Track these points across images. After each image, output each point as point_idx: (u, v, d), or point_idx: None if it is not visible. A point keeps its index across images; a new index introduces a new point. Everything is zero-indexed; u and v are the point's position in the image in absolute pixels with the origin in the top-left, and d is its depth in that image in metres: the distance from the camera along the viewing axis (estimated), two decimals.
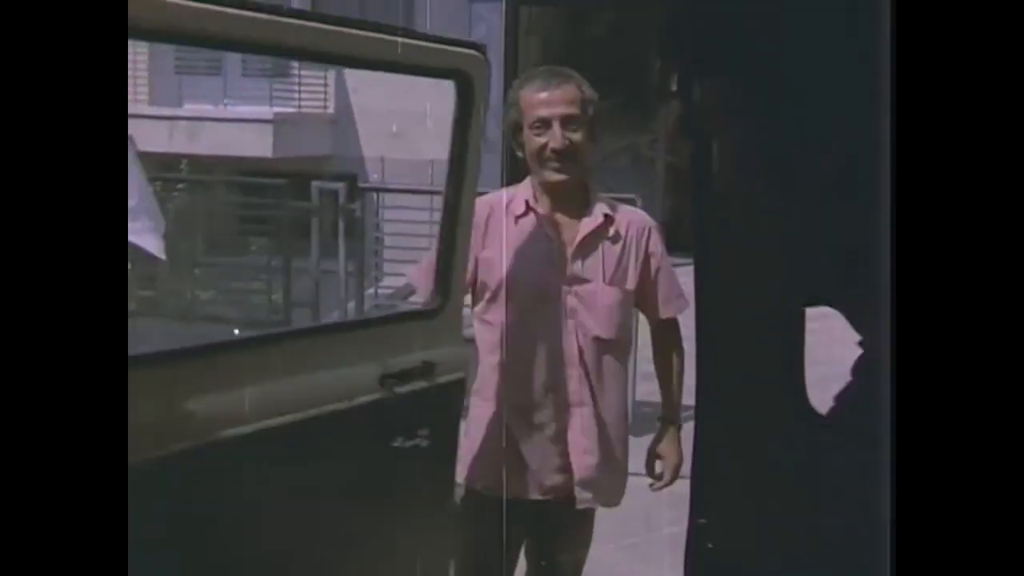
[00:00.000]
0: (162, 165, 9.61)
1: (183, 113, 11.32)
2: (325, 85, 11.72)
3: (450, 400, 2.37)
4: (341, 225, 6.44)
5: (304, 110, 11.90)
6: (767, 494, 0.83)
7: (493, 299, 2.55)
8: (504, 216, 2.55)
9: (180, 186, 9.27)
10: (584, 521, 2.65)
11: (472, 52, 2.30)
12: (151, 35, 1.70)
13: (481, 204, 2.54)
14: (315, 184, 7.09)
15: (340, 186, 6.58)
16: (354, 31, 2.04)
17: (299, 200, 7.61)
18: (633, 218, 2.60)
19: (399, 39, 2.12)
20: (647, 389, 5.79)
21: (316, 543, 2.10)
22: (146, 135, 11.00)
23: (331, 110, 12.02)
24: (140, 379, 1.30)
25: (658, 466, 2.71)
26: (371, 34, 2.10)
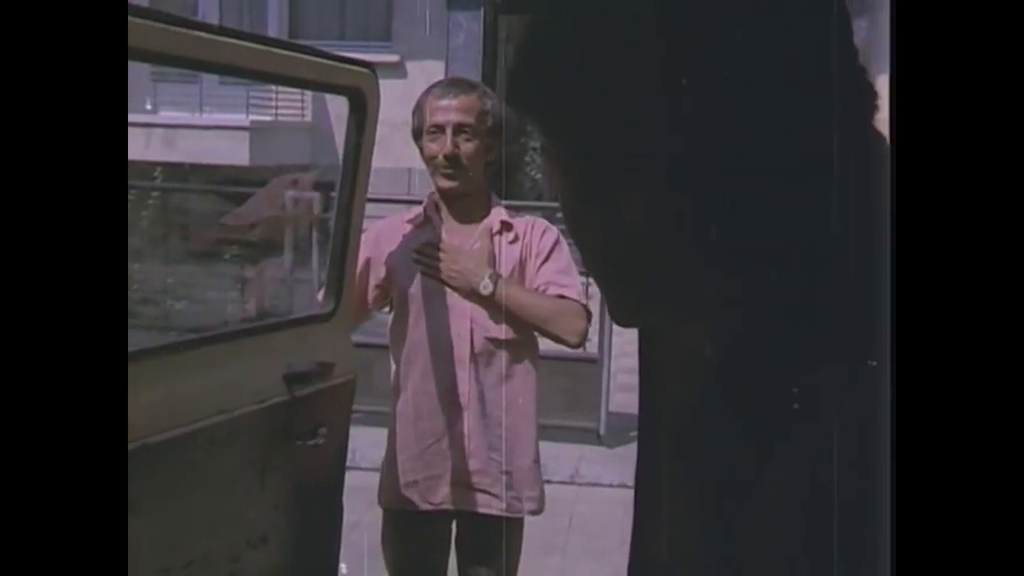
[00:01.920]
0: (137, 173, 9.54)
1: (159, 120, 11.26)
2: (303, 93, 11.69)
3: (343, 400, 2.49)
4: (315, 235, 6.41)
5: (281, 118, 11.87)
6: (713, 508, 0.82)
7: (400, 312, 2.61)
8: (402, 228, 2.62)
9: (155, 194, 9.21)
10: (508, 529, 2.63)
11: (364, 70, 2.43)
12: None
13: (383, 223, 2.61)
14: (289, 194, 7.04)
15: (315, 195, 6.55)
16: (255, 46, 2.10)
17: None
18: (533, 223, 2.67)
19: (298, 55, 2.21)
20: (621, 400, 5.81)
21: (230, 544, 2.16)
22: None
23: (308, 118, 11.99)
24: None
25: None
26: (271, 49, 2.18)
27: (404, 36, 11.88)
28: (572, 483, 5.13)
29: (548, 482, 4.21)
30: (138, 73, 11.71)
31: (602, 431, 5.62)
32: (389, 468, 2.65)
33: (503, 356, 2.57)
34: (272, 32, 11.97)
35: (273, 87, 11.50)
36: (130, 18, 1.72)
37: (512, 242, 2.60)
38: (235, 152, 10.83)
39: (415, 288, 2.58)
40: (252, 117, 11.39)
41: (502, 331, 2.56)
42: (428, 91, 2.60)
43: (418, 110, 2.58)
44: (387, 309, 2.72)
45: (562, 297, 2.56)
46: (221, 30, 2.04)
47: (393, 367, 2.65)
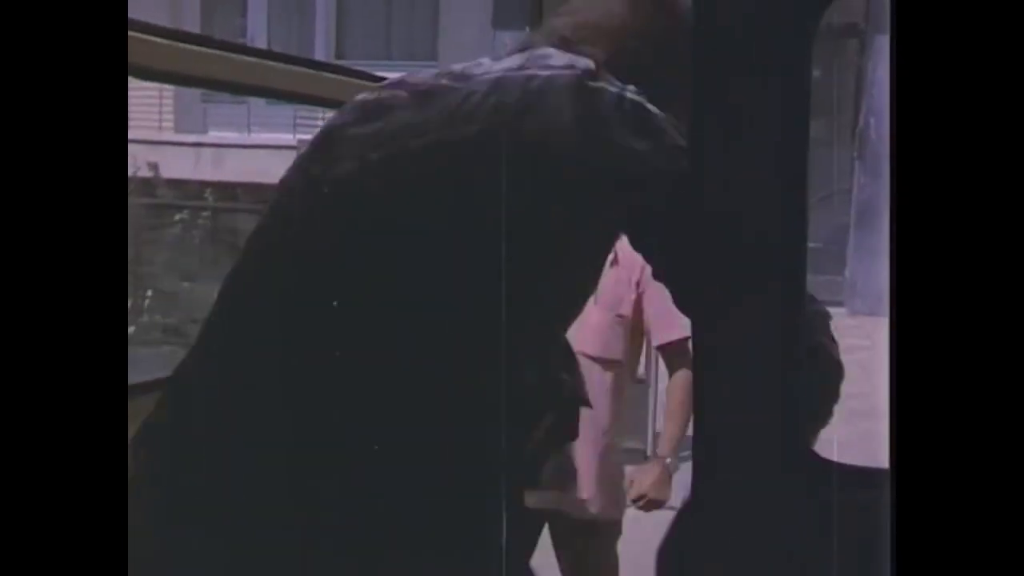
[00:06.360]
0: (188, 193, 9.69)
1: (208, 140, 11.43)
2: None
3: None
4: None
5: None
6: (758, 528, 0.82)
7: None
8: None
9: (205, 213, 9.35)
10: (594, 539, 2.70)
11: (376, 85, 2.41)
12: None
13: None
14: None
15: None
16: (268, 63, 2.10)
17: None
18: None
19: (341, 78, 2.21)
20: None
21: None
22: (171, 162, 11.11)
23: None
24: None
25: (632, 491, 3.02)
26: (283, 66, 2.16)
27: (450, 55, 11.96)
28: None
29: None
30: (189, 94, 11.90)
31: (650, 451, 5.59)
32: None
33: (591, 373, 2.59)
34: (319, 53, 12.12)
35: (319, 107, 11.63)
36: (179, 44, 1.73)
37: (611, 264, 2.55)
38: (283, 170, 10.94)
39: None
40: (299, 136, 11.52)
41: (588, 348, 2.56)
42: None
43: None
44: None
45: (670, 344, 2.72)
46: (234, 47, 2.05)
47: None
